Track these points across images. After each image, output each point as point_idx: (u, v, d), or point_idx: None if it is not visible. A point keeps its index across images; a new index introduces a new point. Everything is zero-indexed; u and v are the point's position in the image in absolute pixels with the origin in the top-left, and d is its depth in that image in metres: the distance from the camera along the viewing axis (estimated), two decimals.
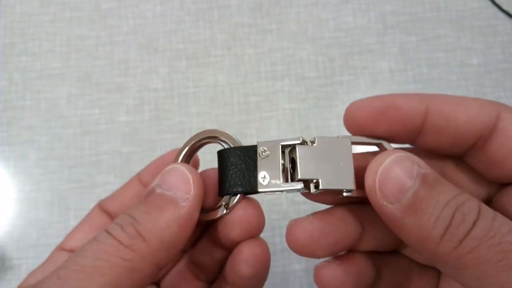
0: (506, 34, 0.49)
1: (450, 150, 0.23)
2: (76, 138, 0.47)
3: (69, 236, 0.27)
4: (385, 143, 0.22)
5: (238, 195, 0.24)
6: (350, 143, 0.22)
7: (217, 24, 0.51)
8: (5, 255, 0.44)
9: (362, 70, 0.49)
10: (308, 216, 0.23)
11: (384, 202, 0.20)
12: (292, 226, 0.23)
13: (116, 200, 0.28)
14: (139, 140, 0.47)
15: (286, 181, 0.22)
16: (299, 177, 0.22)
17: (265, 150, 0.23)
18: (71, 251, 0.26)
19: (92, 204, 0.29)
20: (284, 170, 0.23)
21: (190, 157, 0.26)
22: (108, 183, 0.46)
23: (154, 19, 0.51)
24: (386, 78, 0.48)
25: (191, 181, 0.22)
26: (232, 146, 0.25)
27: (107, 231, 0.21)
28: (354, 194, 0.22)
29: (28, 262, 0.44)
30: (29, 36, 0.50)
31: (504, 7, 0.49)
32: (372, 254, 0.25)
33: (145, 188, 0.25)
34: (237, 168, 0.23)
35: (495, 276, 0.17)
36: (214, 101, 0.48)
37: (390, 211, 0.19)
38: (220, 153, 0.25)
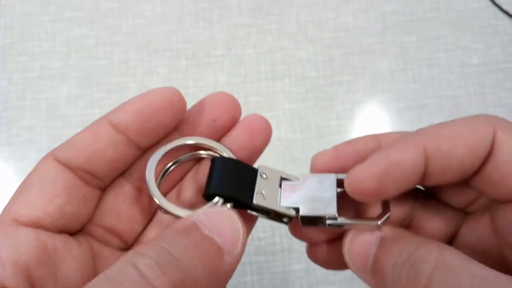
0: (506, 34, 0.49)
1: (455, 182, 0.22)
2: None
3: (24, 201, 0.20)
4: None
5: (222, 202, 0.22)
6: (334, 178, 0.23)
7: (217, 24, 0.51)
8: None
9: (362, 70, 0.49)
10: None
11: (362, 275, 0.21)
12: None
13: (81, 150, 0.21)
14: None
15: None
16: (280, 204, 0.23)
17: (266, 174, 0.23)
18: (37, 225, 0.20)
19: None
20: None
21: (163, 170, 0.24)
22: None
23: (154, 19, 0.51)
24: (386, 78, 0.48)
25: (241, 235, 0.19)
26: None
27: (137, 269, 0.16)
28: (339, 221, 0.22)
29: None
30: (29, 36, 0.50)
31: (504, 7, 0.49)
32: None
33: (119, 134, 0.22)
34: (234, 177, 0.22)
35: None
36: None
37: (366, 281, 0.21)
38: (216, 160, 0.23)
